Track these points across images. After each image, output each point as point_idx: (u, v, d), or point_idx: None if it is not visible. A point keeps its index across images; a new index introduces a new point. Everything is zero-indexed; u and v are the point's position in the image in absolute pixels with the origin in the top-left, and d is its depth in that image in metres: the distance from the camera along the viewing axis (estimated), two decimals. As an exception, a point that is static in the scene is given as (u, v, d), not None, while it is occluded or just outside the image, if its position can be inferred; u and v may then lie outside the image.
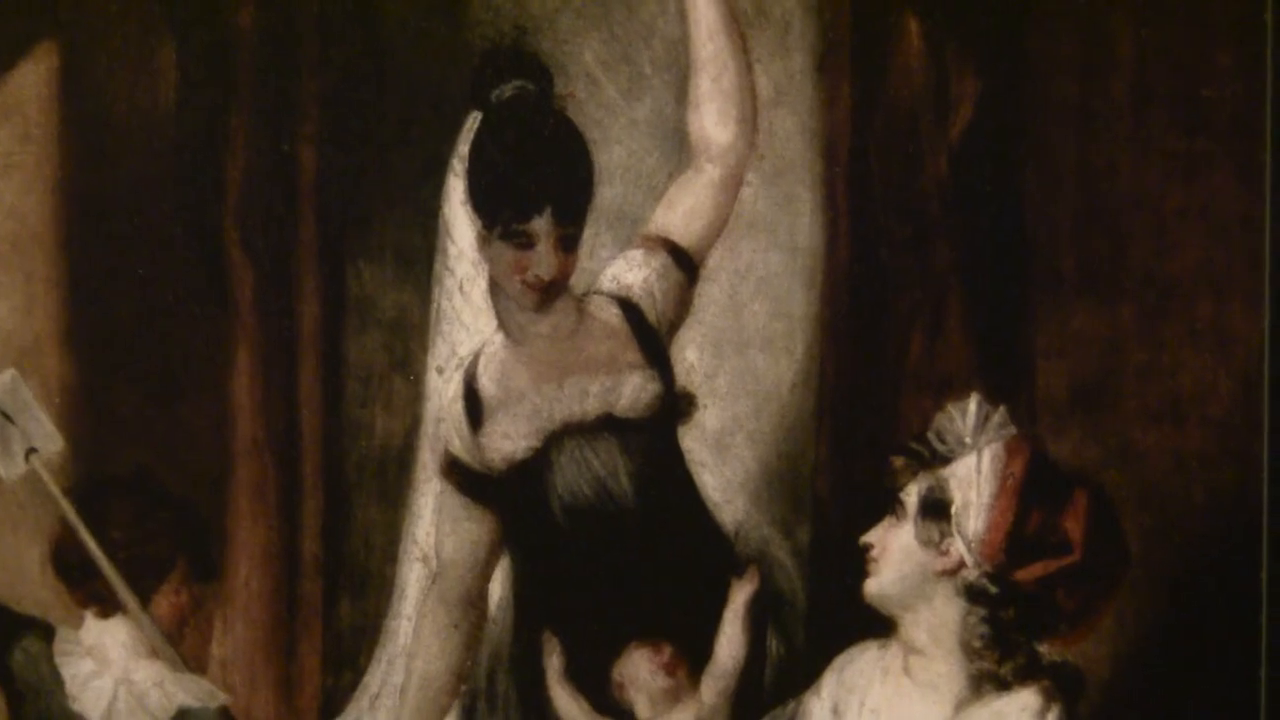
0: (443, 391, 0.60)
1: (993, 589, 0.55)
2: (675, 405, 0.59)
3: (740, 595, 0.58)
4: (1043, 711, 0.54)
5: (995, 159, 0.71)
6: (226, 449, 0.63)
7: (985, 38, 0.66)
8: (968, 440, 0.58)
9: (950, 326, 0.59)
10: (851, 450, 0.61)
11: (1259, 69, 0.92)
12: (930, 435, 0.62)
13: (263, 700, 0.67)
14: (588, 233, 0.60)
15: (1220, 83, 0.89)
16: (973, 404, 0.57)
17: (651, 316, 0.58)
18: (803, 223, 0.61)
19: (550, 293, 0.58)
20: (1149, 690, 0.70)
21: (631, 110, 0.59)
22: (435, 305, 0.60)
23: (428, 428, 0.61)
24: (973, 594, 0.56)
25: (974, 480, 0.54)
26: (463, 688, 0.59)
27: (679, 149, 0.60)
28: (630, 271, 0.58)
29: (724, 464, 0.60)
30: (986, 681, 0.55)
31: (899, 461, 0.58)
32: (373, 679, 0.60)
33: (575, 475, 0.56)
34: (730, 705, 0.59)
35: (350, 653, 0.63)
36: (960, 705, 0.55)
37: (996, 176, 0.75)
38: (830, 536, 0.61)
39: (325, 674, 0.64)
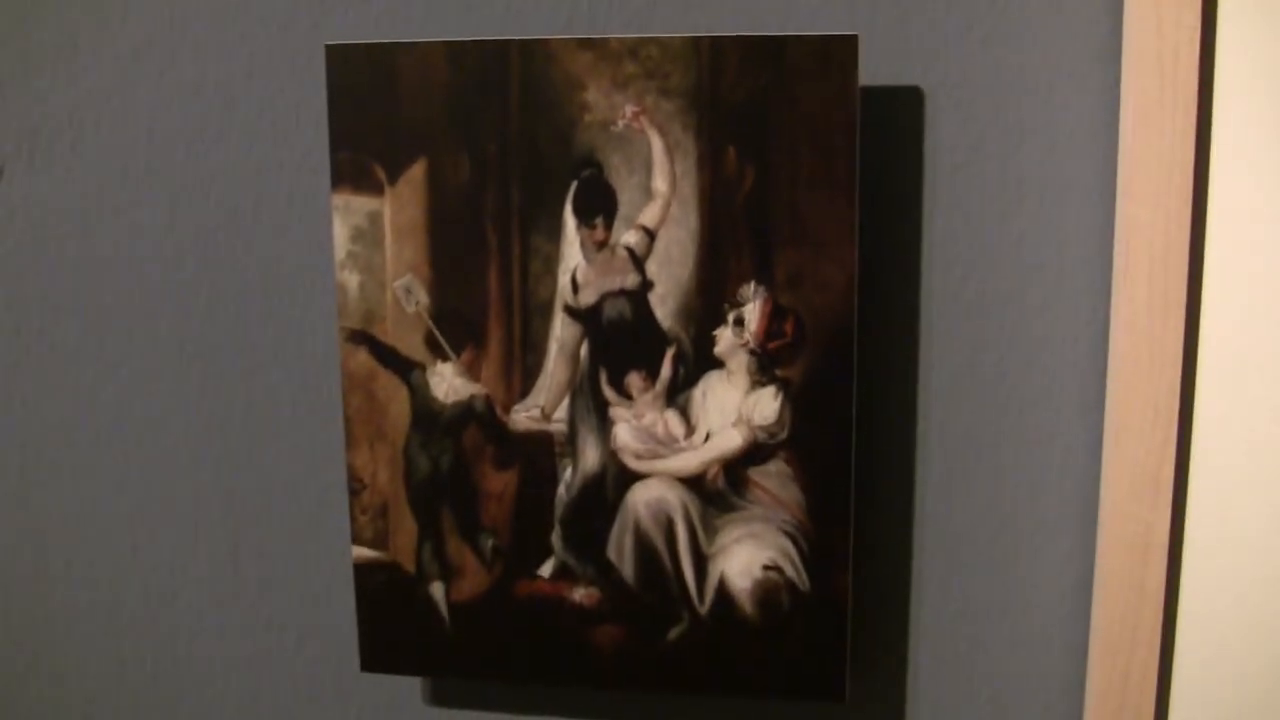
0: (562, 280, 1.06)
1: (758, 351, 1.04)
2: (647, 285, 1.06)
3: (668, 355, 1.05)
4: (776, 394, 1.04)
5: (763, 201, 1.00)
6: (487, 303, 1.06)
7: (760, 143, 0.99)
8: (750, 297, 1.04)
9: (745, 265, 1.03)
10: (712, 303, 1.05)
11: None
12: (738, 295, 1.03)
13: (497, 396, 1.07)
14: (615, 225, 1.06)
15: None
16: (752, 284, 1.03)
17: (639, 253, 1.06)
18: (691, 219, 1.04)
19: (602, 245, 1.06)
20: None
21: (633, 180, 1.04)
22: (561, 250, 1.06)
23: (559, 295, 1.06)
24: (751, 353, 1.04)
25: (753, 312, 1.04)
26: (570, 389, 1.07)
27: (650, 195, 1.04)
28: (630, 237, 1.05)
29: (662, 306, 1.05)
30: (755, 384, 1.04)
31: (725, 306, 1.04)
32: (540, 384, 1.07)
33: (610, 310, 1.06)
34: (666, 393, 1.06)
35: (531, 382, 1.07)
36: (745, 392, 1.05)
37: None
38: (703, 333, 1.05)
39: (523, 386, 1.07)
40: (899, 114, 1.02)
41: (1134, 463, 1.00)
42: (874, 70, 1.01)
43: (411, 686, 1.19)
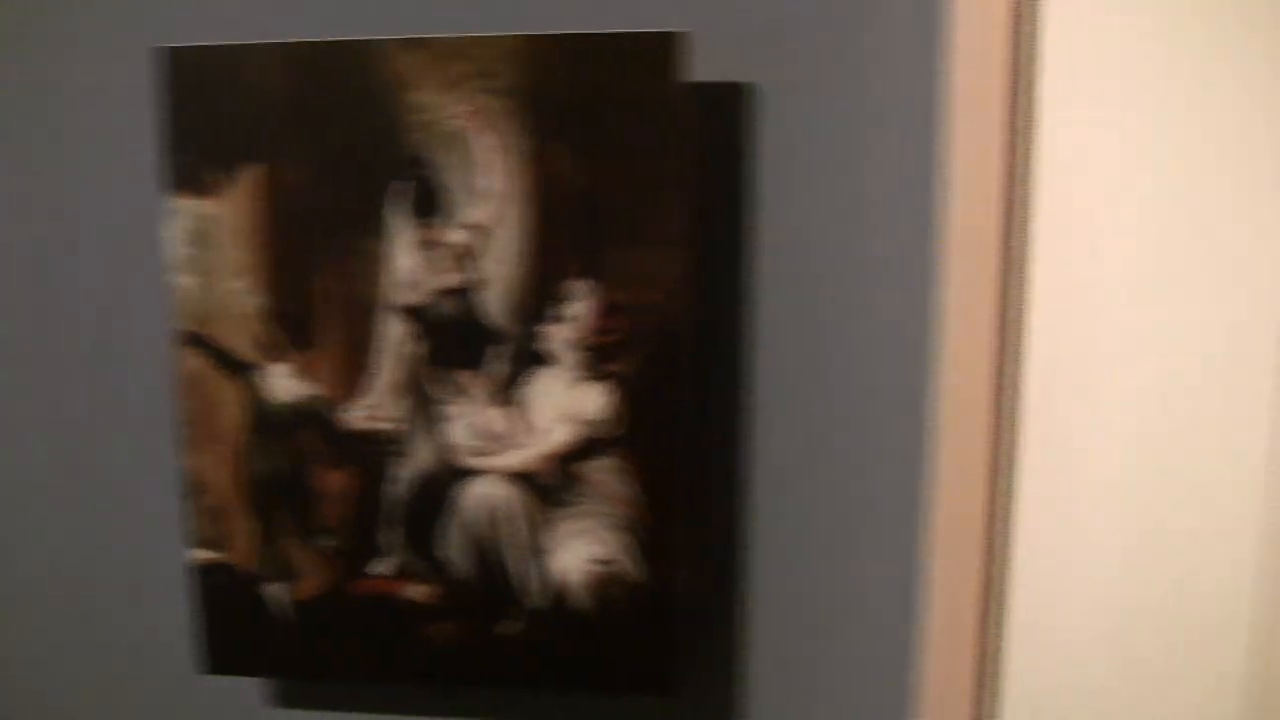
0: (394, 280, 1.05)
1: (589, 347, 1.03)
2: (479, 283, 1.03)
3: (500, 353, 1.04)
4: (608, 389, 1.02)
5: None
6: (321, 304, 1.07)
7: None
8: (582, 294, 1.02)
9: (576, 262, 1.03)
10: (543, 300, 1.04)
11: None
12: (570, 291, 1.01)
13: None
14: (447, 224, 1.04)
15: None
16: (584, 280, 1.02)
17: (470, 252, 1.03)
18: (523, 217, 1.03)
19: (433, 245, 1.03)
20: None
21: (465, 179, 1.03)
22: (392, 250, 1.04)
23: (391, 295, 1.05)
24: (582, 349, 1.03)
25: (584, 309, 1.03)
26: (402, 387, 1.06)
27: (481, 194, 1.03)
28: (461, 236, 1.03)
29: (494, 303, 1.04)
30: (586, 380, 1.03)
31: (556, 302, 1.02)
32: (373, 384, 1.06)
33: (442, 309, 1.03)
34: (497, 390, 1.04)
35: (365, 381, 1.06)
36: (576, 388, 1.03)
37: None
38: (534, 330, 1.04)
39: (357, 386, 1.06)
40: (730, 110, 1.03)
41: (961, 457, 1.01)
42: (706, 67, 1.02)
43: (254, 688, 1.19)
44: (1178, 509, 1.03)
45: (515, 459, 1.06)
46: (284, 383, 1.08)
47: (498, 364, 1.05)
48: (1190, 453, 1.02)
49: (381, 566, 1.08)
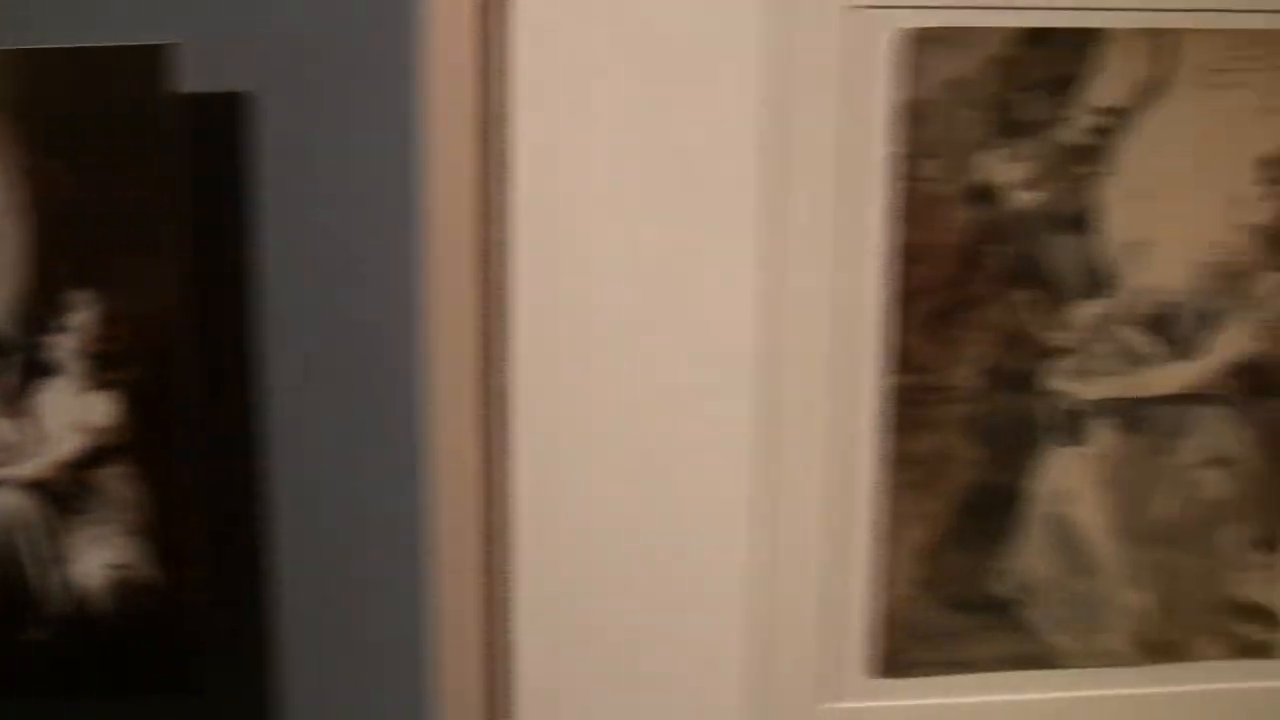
0: None
1: (92, 355, 1.02)
2: None
3: (6, 364, 1.04)
4: (113, 397, 1.02)
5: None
6: None
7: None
8: (84, 304, 1.02)
9: (79, 273, 1.03)
10: (47, 311, 1.04)
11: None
12: (72, 301, 1.01)
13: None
14: None
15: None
16: (85, 290, 1.01)
17: None
18: (22, 230, 1.01)
19: None
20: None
21: None
22: None
23: None
24: (85, 357, 1.01)
25: (87, 318, 1.02)
26: None
27: None
28: None
29: None
30: (92, 388, 1.03)
31: (59, 313, 1.02)
32: None
33: None
34: (5, 401, 1.15)
35: None
36: (83, 397, 1.03)
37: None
38: (39, 341, 1.04)
39: None
40: (227, 119, 1.04)
41: (455, 459, 1.04)
42: (202, 77, 1.02)
43: None
44: (670, 505, 1.06)
45: (29, 469, 1.06)
46: None
47: (7, 375, 1.05)
48: (678, 447, 1.05)
49: (-96, 581, 1.05)
